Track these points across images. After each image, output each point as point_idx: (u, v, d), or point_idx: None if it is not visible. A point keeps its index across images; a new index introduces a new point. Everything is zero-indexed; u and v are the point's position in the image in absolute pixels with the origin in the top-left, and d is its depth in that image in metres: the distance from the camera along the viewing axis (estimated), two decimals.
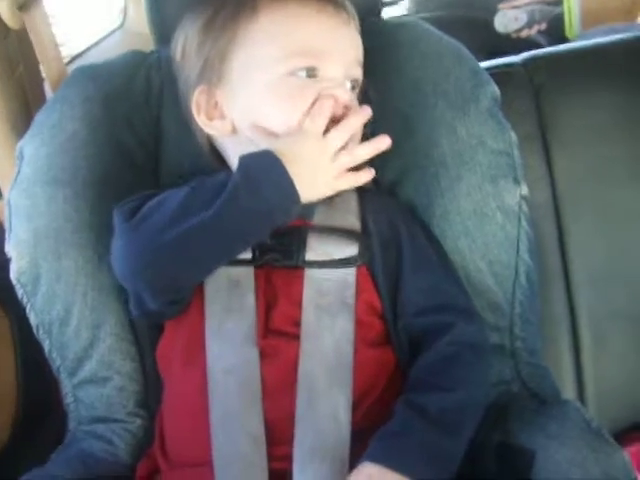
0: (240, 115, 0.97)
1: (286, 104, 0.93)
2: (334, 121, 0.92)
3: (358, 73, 0.99)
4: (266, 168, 0.87)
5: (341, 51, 0.96)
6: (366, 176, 0.93)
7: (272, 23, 0.96)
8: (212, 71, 0.98)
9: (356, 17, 1.01)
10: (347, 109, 0.94)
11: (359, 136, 0.95)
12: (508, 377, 1.03)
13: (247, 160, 0.88)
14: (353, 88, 0.99)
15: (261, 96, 0.95)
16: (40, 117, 1.07)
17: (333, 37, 0.96)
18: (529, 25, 1.97)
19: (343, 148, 0.91)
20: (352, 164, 0.91)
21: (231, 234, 0.88)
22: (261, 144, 0.92)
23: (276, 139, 0.92)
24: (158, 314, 0.96)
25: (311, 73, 0.94)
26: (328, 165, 0.90)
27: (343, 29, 0.97)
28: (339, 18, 0.97)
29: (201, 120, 1.00)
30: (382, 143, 0.92)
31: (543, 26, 1.98)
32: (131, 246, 0.91)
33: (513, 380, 1.03)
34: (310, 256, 0.94)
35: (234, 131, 0.98)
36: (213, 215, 0.86)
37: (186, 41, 1.01)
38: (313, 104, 0.92)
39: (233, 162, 1.01)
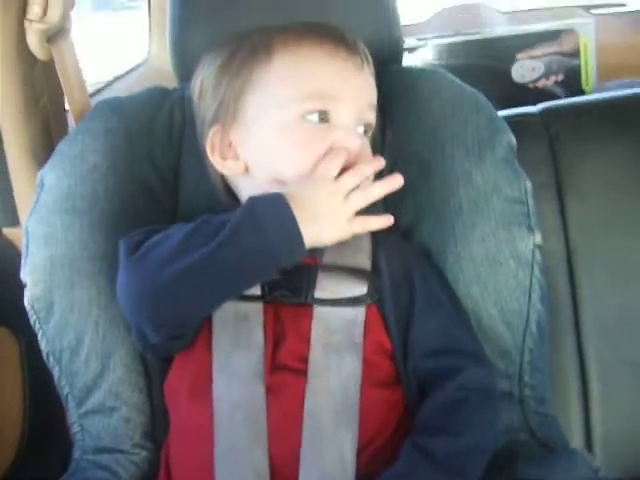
0: (252, 156, 0.98)
1: (297, 150, 0.95)
2: (346, 169, 0.93)
3: (371, 117, 1.00)
4: (271, 208, 0.87)
5: (353, 95, 0.97)
6: (382, 221, 0.93)
7: (285, 65, 0.97)
8: (227, 112, 0.99)
9: (370, 61, 1.02)
10: (358, 157, 0.95)
11: (370, 182, 0.95)
12: (516, 425, 1.02)
13: (254, 199, 0.89)
14: (365, 132, 1.00)
15: (273, 138, 0.96)
16: (62, 147, 1.08)
17: (346, 81, 0.97)
18: (546, 76, 1.99)
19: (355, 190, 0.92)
20: (365, 203, 0.91)
21: (231, 271, 0.88)
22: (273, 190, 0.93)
23: (287, 185, 0.93)
24: (162, 348, 0.96)
25: (323, 117, 0.95)
26: (340, 206, 0.90)
27: (356, 73, 0.99)
28: (352, 62, 0.98)
29: (215, 160, 1.01)
30: (395, 182, 0.93)
31: (560, 77, 1.99)
32: (132, 280, 0.91)
33: (521, 428, 1.02)
34: (319, 294, 0.94)
35: (247, 171, 0.99)
36: (212, 251, 0.86)
37: (203, 81, 1.03)
38: (324, 154, 0.93)
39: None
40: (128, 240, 0.94)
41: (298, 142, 0.94)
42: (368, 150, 0.98)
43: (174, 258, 0.87)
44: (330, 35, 0.99)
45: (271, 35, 0.99)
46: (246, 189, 1.01)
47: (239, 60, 0.99)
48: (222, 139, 1.00)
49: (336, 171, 0.91)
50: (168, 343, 0.94)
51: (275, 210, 0.87)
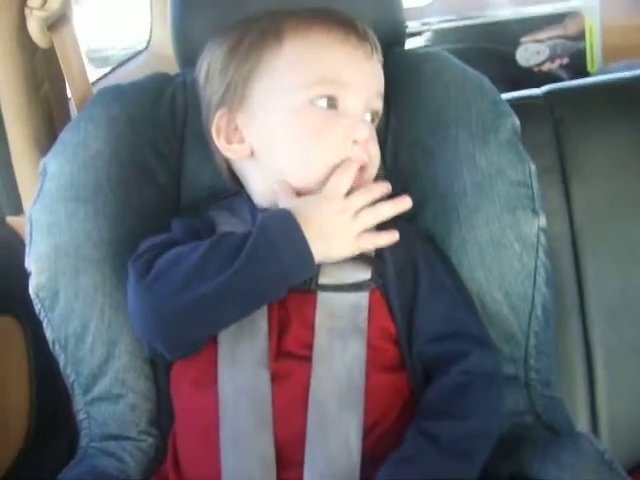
0: (258, 140, 0.99)
1: (304, 136, 0.95)
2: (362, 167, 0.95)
3: (378, 105, 1.01)
4: (283, 232, 0.88)
5: (362, 83, 0.98)
6: (390, 237, 0.93)
7: (295, 51, 0.97)
8: (234, 95, 0.99)
9: (379, 49, 1.02)
10: (366, 143, 0.95)
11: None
12: (522, 408, 1.02)
13: (265, 222, 0.90)
14: (372, 120, 1.00)
15: (281, 123, 0.96)
16: (65, 135, 1.08)
17: (355, 69, 0.97)
18: (551, 59, 1.98)
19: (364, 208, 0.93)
20: (374, 223, 0.93)
21: (247, 296, 0.90)
22: (281, 200, 0.94)
23: (296, 196, 0.94)
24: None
25: (331, 103, 0.95)
26: (349, 224, 0.91)
27: (365, 61, 0.99)
28: (362, 50, 0.99)
29: (220, 143, 1.01)
30: (404, 204, 0.94)
31: (565, 60, 1.98)
32: (146, 307, 0.92)
33: (527, 411, 1.02)
34: (323, 280, 0.94)
35: (252, 155, 0.99)
36: (228, 279, 0.87)
37: (210, 65, 1.03)
38: (333, 141, 0.94)
39: (250, 186, 1.02)
40: (136, 262, 0.94)
41: (307, 127, 0.95)
42: (375, 139, 0.99)
43: (189, 284, 0.88)
44: (340, 22, 0.99)
45: (281, 20, 0.99)
46: (251, 173, 1.01)
47: (247, 44, 0.99)
48: (228, 123, 1.00)
49: (346, 188, 0.92)
50: (180, 356, 0.96)
51: (287, 234, 0.88)
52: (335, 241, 0.91)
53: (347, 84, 0.96)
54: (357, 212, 0.92)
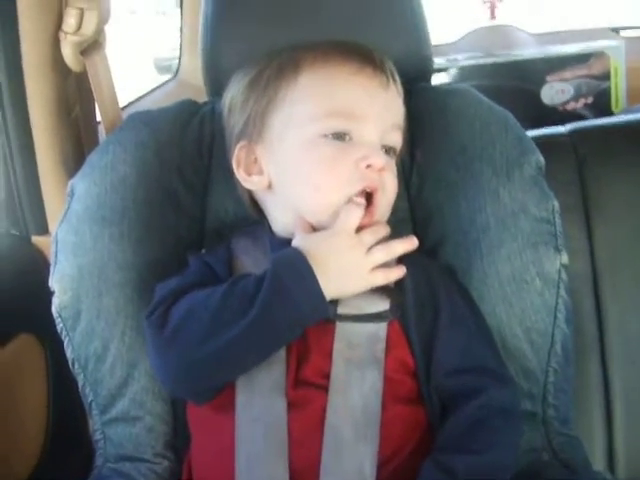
0: (276, 172, 0.99)
1: (314, 168, 0.95)
2: (369, 195, 0.94)
3: (395, 138, 1.00)
4: (296, 277, 0.88)
5: (377, 115, 0.97)
6: (399, 272, 0.94)
7: (311, 83, 0.98)
8: (253, 128, 1.00)
9: (398, 80, 1.02)
10: (382, 171, 0.95)
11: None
12: (539, 445, 1.02)
13: (277, 266, 0.90)
14: (388, 152, 0.99)
15: (294, 155, 0.97)
16: (93, 157, 1.09)
17: (369, 100, 0.97)
18: (575, 98, 1.99)
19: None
20: (385, 259, 0.92)
21: (265, 342, 0.90)
22: (296, 232, 0.95)
23: (305, 227, 0.95)
24: None
25: (345, 137, 0.96)
26: (361, 260, 0.91)
27: (381, 92, 0.99)
28: (377, 81, 0.98)
29: (240, 174, 1.02)
30: (412, 243, 0.94)
31: (589, 100, 1.99)
32: (167, 362, 0.93)
33: (544, 448, 1.02)
34: (342, 310, 0.94)
35: (270, 187, 1.00)
36: (245, 329, 0.87)
37: (232, 97, 1.04)
38: (345, 174, 0.94)
39: (270, 216, 1.03)
40: (152, 317, 0.94)
41: (318, 159, 0.95)
42: (393, 172, 0.99)
43: (207, 338, 0.89)
44: (357, 53, 0.99)
45: (299, 53, 1.00)
46: (270, 204, 1.02)
47: (266, 78, 1.00)
48: (248, 155, 1.01)
49: (356, 224, 0.92)
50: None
51: (299, 278, 0.88)
52: (347, 277, 0.91)
53: (361, 115, 0.96)
54: (369, 248, 0.92)
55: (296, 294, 0.88)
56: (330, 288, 0.89)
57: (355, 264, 0.91)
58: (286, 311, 0.87)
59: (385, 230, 0.95)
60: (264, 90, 1.00)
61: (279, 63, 1.00)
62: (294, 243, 0.93)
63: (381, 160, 0.95)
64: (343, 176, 0.94)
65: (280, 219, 1.01)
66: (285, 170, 0.98)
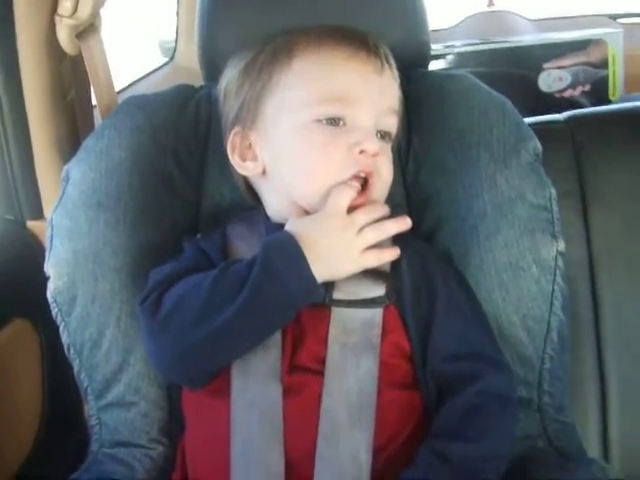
0: (269, 158, 0.99)
1: (308, 153, 0.95)
2: (364, 180, 0.94)
3: (389, 123, 1.00)
4: (286, 259, 0.88)
5: (371, 99, 0.97)
6: (395, 252, 0.93)
7: (305, 68, 0.98)
8: (247, 113, 1.00)
9: (393, 65, 1.01)
10: (375, 156, 0.95)
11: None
12: (534, 432, 1.02)
13: (268, 250, 0.89)
14: (384, 138, 0.99)
15: (287, 140, 0.97)
16: (89, 142, 1.09)
17: (363, 84, 0.97)
18: (573, 86, 1.98)
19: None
20: (377, 240, 0.92)
21: (257, 326, 0.90)
22: (289, 217, 0.95)
23: (298, 212, 0.95)
24: None
25: (337, 122, 0.95)
26: (353, 241, 0.91)
27: (375, 77, 0.98)
28: (371, 65, 0.98)
29: (234, 160, 1.02)
30: (405, 223, 0.93)
31: (587, 87, 1.99)
32: (161, 347, 0.93)
33: (539, 435, 1.02)
34: (338, 295, 0.94)
35: (264, 173, 1.00)
36: (236, 312, 0.87)
37: (227, 83, 1.04)
38: (339, 159, 0.94)
39: (265, 202, 1.03)
40: (145, 303, 0.94)
41: (312, 144, 0.95)
42: (388, 157, 0.98)
43: (199, 321, 0.88)
44: (350, 38, 0.99)
45: (293, 38, 1.00)
46: (265, 190, 1.02)
47: (261, 63, 1.00)
48: (242, 140, 1.01)
49: (347, 203, 0.92)
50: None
51: (290, 260, 0.88)
52: (339, 259, 0.90)
53: (355, 100, 0.96)
54: (361, 229, 0.91)
55: (286, 276, 0.87)
56: (321, 270, 0.88)
57: (346, 245, 0.90)
58: (277, 293, 0.87)
59: (383, 210, 0.95)
60: (258, 75, 0.99)
61: (273, 48, 1.00)
62: (286, 227, 0.93)
63: (375, 145, 0.94)
64: (336, 161, 0.94)
65: (274, 205, 1.01)
66: (278, 156, 0.98)
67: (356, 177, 0.94)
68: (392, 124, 1.00)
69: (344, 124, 0.95)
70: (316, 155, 0.95)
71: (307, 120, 0.95)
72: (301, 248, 0.88)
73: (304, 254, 0.88)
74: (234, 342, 0.90)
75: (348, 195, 0.92)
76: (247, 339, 0.90)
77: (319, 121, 0.95)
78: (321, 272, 0.89)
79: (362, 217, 0.92)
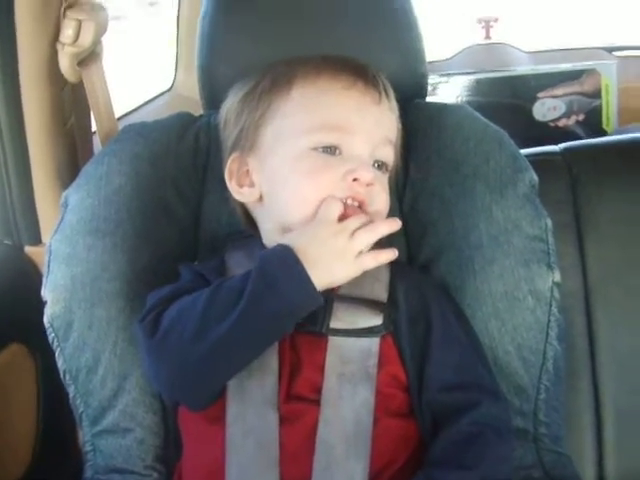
0: (266, 185, 0.99)
1: (303, 180, 0.95)
2: (360, 205, 0.94)
3: (385, 153, 1.00)
4: (283, 268, 0.87)
5: (368, 130, 0.97)
6: (391, 253, 0.92)
7: (303, 97, 0.98)
8: (246, 140, 1.01)
9: (391, 96, 1.02)
10: (370, 185, 0.95)
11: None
12: (530, 462, 1.02)
13: (263, 260, 0.89)
14: (380, 167, 0.99)
15: (282, 168, 0.97)
16: (88, 168, 1.09)
17: (360, 114, 0.97)
18: (567, 115, 2.00)
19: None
20: (371, 240, 0.92)
21: (256, 337, 0.89)
22: (277, 241, 0.93)
23: (291, 232, 0.94)
24: None
25: (335, 151, 0.96)
26: (347, 245, 0.90)
27: (372, 107, 0.99)
28: (369, 96, 0.99)
29: (232, 186, 1.02)
30: (396, 223, 0.93)
31: (581, 117, 2.01)
32: (160, 365, 0.92)
33: (535, 466, 1.02)
34: (335, 324, 0.94)
35: (261, 200, 1.01)
36: (235, 325, 0.86)
37: (228, 110, 1.05)
38: (331, 184, 0.94)
39: (262, 229, 1.03)
40: (143, 323, 0.93)
41: (305, 172, 0.95)
42: (383, 187, 0.99)
43: (197, 336, 0.88)
44: (349, 68, 1.00)
45: (293, 67, 1.01)
46: (261, 216, 1.03)
47: (260, 90, 1.01)
48: (240, 166, 1.02)
49: (338, 212, 0.92)
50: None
51: (287, 270, 0.87)
52: (335, 264, 0.90)
53: (351, 130, 0.96)
54: (353, 233, 0.91)
55: (284, 284, 0.86)
56: (319, 277, 0.87)
57: (340, 250, 0.90)
58: (275, 302, 0.86)
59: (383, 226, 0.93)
60: (257, 103, 1.00)
61: (273, 77, 1.01)
62: (280, 242, 0.92)
63: (369, 174, 0.94)
64: (327, 186, 0.94)
65: (269, 233, 1.01)
66: (274, 183, 0.98)
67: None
68: (388, 154, 1.01)
69: (340, 153, 0.96)
70: (308, 180, 0.95)
71: (303, 148, 0.96)
72: (296, 255, 0.88)
73: (299, 260, 0.87)
74: (234, 354, 0.89)
75: (338, 205, 0.92)
76: (247, 350, 0.90)
77: (315, 149, 0.96)
78: (319, 279, 0.88)
79: (353, 222, 0.91)
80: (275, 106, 0.99)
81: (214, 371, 0.90)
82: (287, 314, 0.88)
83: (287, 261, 0.88)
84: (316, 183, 0.94)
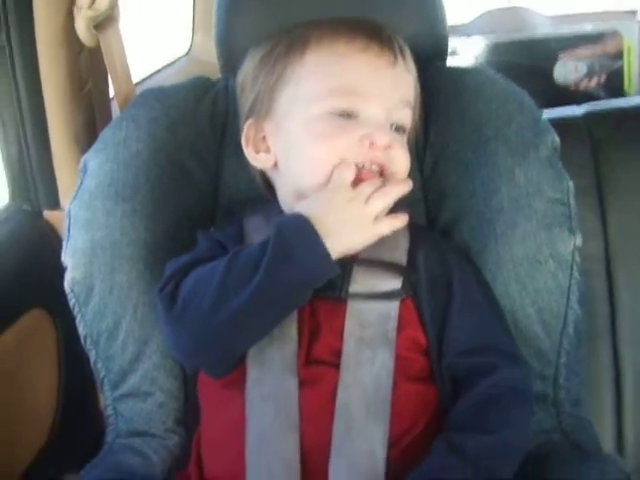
0: (281, 150, 0.99)
1: (318, 144, 0.95)
2: (380, 169, 0.94)
3: (402, 115, 0.99)
4: (298, 237, 0.88)
5: (382, 92, 0.97)
6: (404, 219, 0.93)
7: (317, 61, 0.98)
8: (261, 105, 1.00)
9: (407, 57, 1.01)
10: (388, 148, 0.95)
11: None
12: (549, 426, 1.02)
13: (279, 229, 0.89)
14: (398, 130, 0.99)
15: (298, 133, 0.97)
16: (106, 133, 1.09)
17: (375, 77, 0.97)
18: (588, 77, 1.98)
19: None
20: (386, 204, 0.92)
21: (275, 306, 0.90)
22: (293, 208, 0.94)
23: (306, 199, 0.94)
24: None
25: (351, 115, 0.95)
26: (362, 211, 0.90)
27: (387, 70, 0.98)
28: (384, 58, 0.98)
29: (248, 152, 1.02)
30: (408, 184, 0.94)
31: (602, 79, 1.98)
32: (180, 335, 0.93)
33: (554, 430, 1.02)
34: (354, 288, 0.95)
35: (277, 165, 1.00)
36: (252, 295, 0.87)
37: (245, 75, 1.04)
38: (346, 147, 0.93)
39: (279, 195, 1.03)
40: (162, 294, 0.94)
41: (319, 135, 0.95)
42: (403, 148, 0.98)
43: (216, 306, 0.88)
44: (364, 30, 0.98)
45: (308, 31, 1.00)
46: (278, 182, 1.03)
47: (276, 55, 1.00)
48: (256, 132, 1.01)
49: (351, 177, 0.92)
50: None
51: (302, 238, 0.88)
52: (351, 231, 0.90)
53: (366, 93, 0.95)
54: (368, 198, 0.91)
55: (300, 253, 0.87)
56: (335, 245, 0.88)
57: (356, 216, 0.90)
58: (292, 271, 0.87)
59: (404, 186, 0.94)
60: (272, 68, 1.00)
61: (288, 41, 1.00)
62: (296, 210, 0.92)
63: (385, 137, 0.94)
64: (342, 149, 0.94)
65: (286, 198, 1.01)
66: (289, 148, 0.98)
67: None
68: (406, 117, 1.00)
69: (356, 117, 0.95)
70: (321, 144, 0.95)
71: (319, 113, 0.95)
72: (312, 225, 0.88)
73: (315, 230, 0.87)
74: (252, 324, 0.90)
75: (351, 170, 0.92)
76: (265, 320, 0.90)
77: (331, 114, 0.95)
78: (336, 246, 0.88)
79: (368, 188, 0.92)
80: (290, 70, 0.98)
81: (233, 341, 0.91)
82: (304, 284, 0.89)
83: (303, 231, 0.88)
84: (329, 147, 0.94)
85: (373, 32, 0.98)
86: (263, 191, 1.07)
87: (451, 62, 1.19)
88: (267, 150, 1.01)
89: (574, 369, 1.03)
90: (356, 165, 0.93)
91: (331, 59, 0.97)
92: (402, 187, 0.93)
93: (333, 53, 0.97)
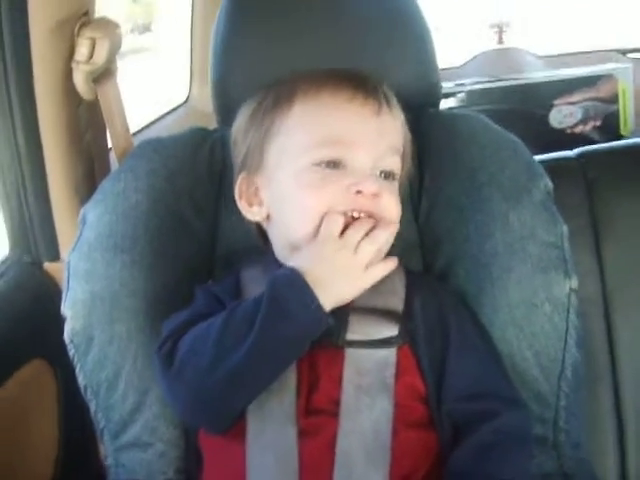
0: (273, 203, 1.00)
1: (303, 191, 0.96)
2: (369, 217, 0.94)
3: (390, 162, 1.00)
4: (292, 292, 0.88)
5: (369, 141, 0.97)
6: (393, 261, 0.94)
7: (304, 113, 0.99)
8: (252, 160, 1.02)
9: (393, 104, 1.02)
10: (376, 197, 0.95)
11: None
12: (550, 469, 1.02)
13: (272, 286, 0.90)
14: (387, 177, 0.99)
15: (288, 185, 0.97)
16: (105, 185, 1.10)
17: (361, 127, 0.98)
18: (584, 121, 1.99)
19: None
20: (374, 250, 0.92)
21: (272, 361, 0.90)
22: (288, 259, 0.95)
23: (298, 251, 0.95)
24: None
25: (338, 165, 0.96)
26: (351, 260, 0.91)
27: (372, 118, 0.99)
28: (368, 107, 0.99)
29: (242, 206, 1.04)
30: (393, 226, 0.95)
31: (598, 122, 1.99)
32: (178, 395, 0.93)
33: (555, 472, 1.01)
34: (351, 336, 0.95)
35: (269, 218, 1.01)
36: (248, 352, 0.87)
37: (237, 129, 1.06)
38: (334, 198, 0.94)
39: (274, 246, 1.04)
40: (160, 352, 0.94)
41: (308, 187, 0.95)
42: (393, 195, 0.98)
43: (213, 365, 0.89)
44: (350, 81, 0.99)
45: (295, 83, 1.01)
46: (271, 236, 1.04)
47: (264, 109, 1.02)
48: (248, 186, 1.03)
49: (339, 227, 0.92)
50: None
51: (294, 291, 0.88)
52: (343, 281, 0.91)
53: (352, 142, 0.96)
54: (356, 246, 0.91)
55: (293, 307, 0.87)
56: (328, 296, 0.89)
57: (346, 266, 0.91)
58: (286, 326, 0.87)
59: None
60: (261, 122, 1.01)
61: (275, 94, 1.02)
62: (289, 264, 0.93)
63: (373, 186, 0.95)
64: (329, 199, 0.94)
65: (280, 250, 1.02)
66: (280, 200, 0.99)
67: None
68: (394, 163, 1.00)
69: (343, 167, 0.96)
70: (311, 194, 0.95)
71: (307, 164, 0.96)
72: (303, 277, 0.89)
73: (306, 282, 0.88)
74: (250, 380, 0.90)
75: (339, 221, 0.93)
76: (263, 375, 0.90)
77: (318, 165, 0.96)
78: (328, 298, 0.89)
79: (354, 234, 0.92)
80: (278, 123, 1.00)
81: (231, 398, 0.91)
82: (299, 337, 0.89)
83: (294, 284, 0.89)
84: (317, 197, 0.95)
85: (358, 82, 1.00)
86: (259, 242, 1.08)
87: (445, 105, 1.20)
88: (260, 203, 1.02)
89: (574, 411, 1.03)
90: (344, 214, 0.94)
91: (317, 110, 0.98)
92: (389, 228, 0.94)
93: (319, 104, 0.98)
